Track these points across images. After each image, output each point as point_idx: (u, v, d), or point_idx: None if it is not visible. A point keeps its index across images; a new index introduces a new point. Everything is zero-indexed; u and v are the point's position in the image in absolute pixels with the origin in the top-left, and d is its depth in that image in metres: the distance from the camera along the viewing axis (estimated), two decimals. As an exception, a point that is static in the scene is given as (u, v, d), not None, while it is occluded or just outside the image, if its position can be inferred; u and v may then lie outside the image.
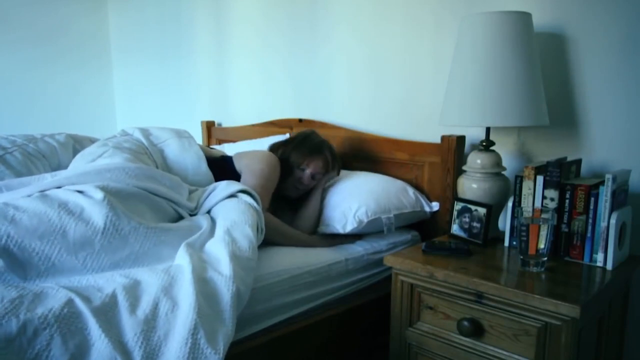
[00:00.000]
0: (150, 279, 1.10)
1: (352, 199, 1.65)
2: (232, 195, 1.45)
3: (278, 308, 1.36)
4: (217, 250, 1.21)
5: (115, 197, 1.21)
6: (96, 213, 1.15)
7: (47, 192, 1.21)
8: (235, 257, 1.18)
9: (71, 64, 3.38)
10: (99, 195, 1.18)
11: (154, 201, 1.32)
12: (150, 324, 1.00)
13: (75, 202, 1.17)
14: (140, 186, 1.31)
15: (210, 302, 1.07)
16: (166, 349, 0.97)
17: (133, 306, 1.02)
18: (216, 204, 1.44)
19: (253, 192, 1.48)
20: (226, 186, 1.48)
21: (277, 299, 1.35)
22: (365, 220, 1.60)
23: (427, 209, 1.76)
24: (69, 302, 0.98)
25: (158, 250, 1.20)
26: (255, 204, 1.43)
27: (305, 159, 1.73)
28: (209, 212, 1.45)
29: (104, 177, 1.30)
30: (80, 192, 1.21)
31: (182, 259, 1.16)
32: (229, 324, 1.05)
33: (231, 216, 1.34)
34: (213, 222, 1.37)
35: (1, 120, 3.10)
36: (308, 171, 1.73)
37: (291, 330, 1.36)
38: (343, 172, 1.93)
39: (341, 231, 1.60)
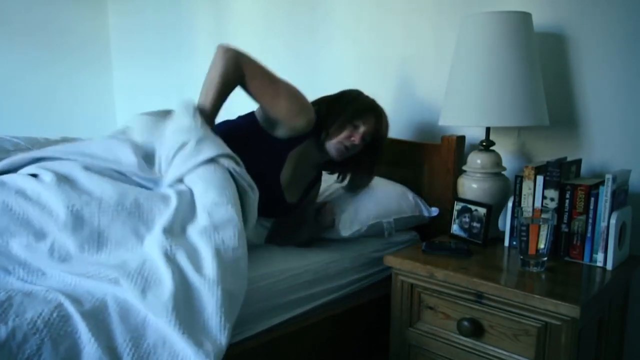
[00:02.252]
0: (129, 285, 1.04)
1: (354, 202, 1.65)
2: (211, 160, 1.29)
3: (278, 308, 1.35)
4: (199, 244, 1.15)
5: (65, 176, 1.20)
6: (52, 196, 1.15)
7: (4, 179, 1.21)
8: (219, 253, 1.12)
9: (71, 66, 3.38)
10: (48, 177, 1.18)
11: (112, 176, 1.26)
12: (139, 332, 0.98)
13: (33, 188, 1.17)
14: (88, 163, 1.26)
15: (192, 314, 1.02)
16: (155, 358, 0.96)
17: (123, 311, 1.00)
18: (189, 171, 1.28)
19: (234, 156, 1.32)
20: (196, 149, 1.28)
21: (277, 299, 1.35)
22: (367, 223, 1.60)
23: (425, 213, 1.75)
24: (59, 306, 0.96)
25: (120, 226, 1.15)
26: (236, 168, 1.30)
27: (361, 116, 1.57)
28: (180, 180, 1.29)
29: (59, 152, 1.29)
30: (34, 175, 1.21)
31: (160, 260, 1.08)
32: (216, 333, 1.01)
33: (211, 195, 1.22)
34: (190, 192, 1.26)
35: (2, 121, 3.10)
36: (362, 129, 1.57)
37: (291, 330, 1.36)
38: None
39: (342, 234, 1.59)
